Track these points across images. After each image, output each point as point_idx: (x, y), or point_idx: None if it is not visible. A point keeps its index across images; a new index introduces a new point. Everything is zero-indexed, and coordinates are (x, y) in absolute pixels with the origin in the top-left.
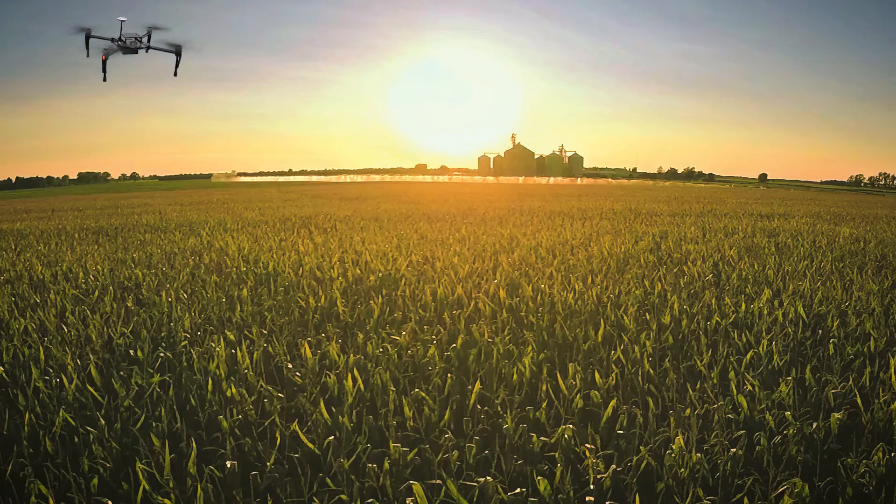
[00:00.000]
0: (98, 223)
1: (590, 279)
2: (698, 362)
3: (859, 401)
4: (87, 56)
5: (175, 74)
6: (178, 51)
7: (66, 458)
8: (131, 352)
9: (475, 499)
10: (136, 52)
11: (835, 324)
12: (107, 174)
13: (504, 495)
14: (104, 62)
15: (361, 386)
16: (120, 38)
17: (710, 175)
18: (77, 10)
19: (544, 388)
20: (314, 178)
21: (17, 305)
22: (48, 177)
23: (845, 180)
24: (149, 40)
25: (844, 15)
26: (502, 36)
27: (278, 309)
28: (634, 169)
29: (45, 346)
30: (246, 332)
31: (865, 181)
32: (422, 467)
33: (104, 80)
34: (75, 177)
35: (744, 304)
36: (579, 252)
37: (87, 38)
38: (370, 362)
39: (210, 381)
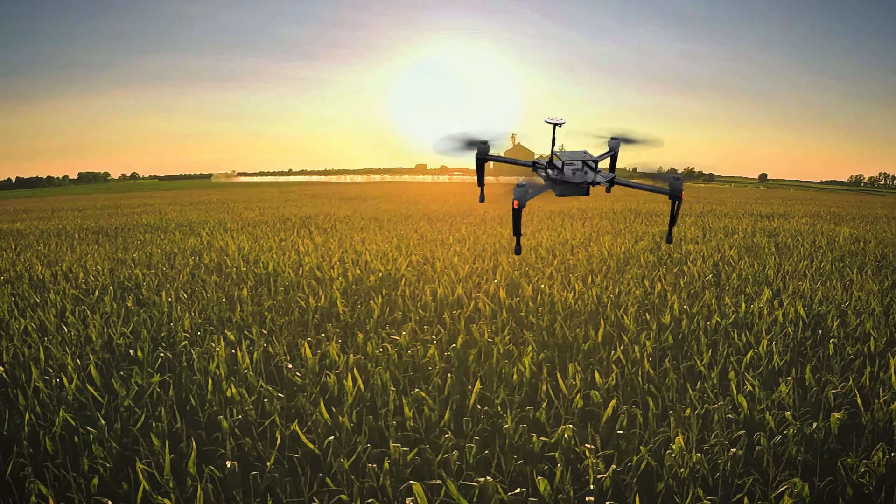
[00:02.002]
0: (98, 223)
1: (590, 279)
2: (698, 362)
3: (859, 401)
4: (482, 201)
5: (669, 240)
6: (675, 191)
7: (66, 458)
8: (131, 352)
9: (475, 499)
10: (587, 193)
11: (835, 324)
12: (107, 174)
13: (504, 495)
14: (517, 212)
15: (361, 386)
16: (551, 162)
17: (710, 175)
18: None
19: (544, 388)
20: (314, 178)
21: (17, 305)
22: (48, 177)
23: (845, 180)
24: (612, 165)
25: (844, 15)
26: (502, 36)
27: (278, 309)
28: (634, 169)
29: (45, 346)
30: (246, 332)
31: (865, 181)
32: (422, 467)
33: (517, 251)
34: (75, 177)
35: (744, 304)
36: (579, 252)
37: (481, 160)
38: (370, 362)
39: (210, 381)
